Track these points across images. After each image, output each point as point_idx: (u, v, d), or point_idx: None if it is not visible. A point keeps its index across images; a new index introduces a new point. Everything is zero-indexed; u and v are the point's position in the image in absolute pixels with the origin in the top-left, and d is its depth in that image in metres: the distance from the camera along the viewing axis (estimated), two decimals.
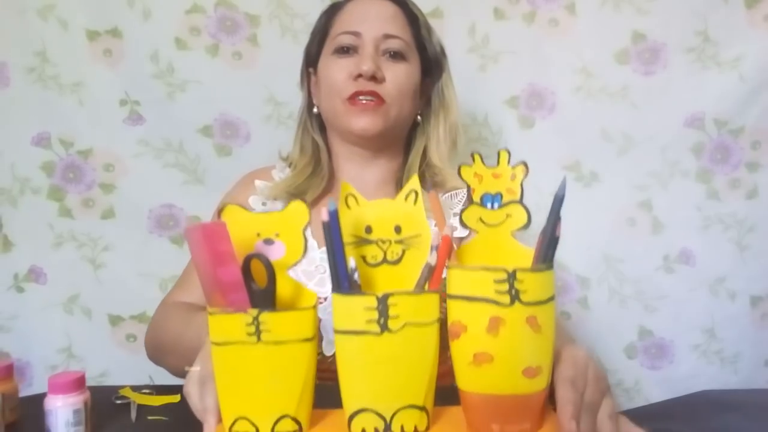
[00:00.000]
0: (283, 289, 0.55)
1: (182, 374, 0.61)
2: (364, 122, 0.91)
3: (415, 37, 0.97)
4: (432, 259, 0.53)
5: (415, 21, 0.97)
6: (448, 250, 0.54)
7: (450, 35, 1.17)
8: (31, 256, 1.21)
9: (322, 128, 1.02)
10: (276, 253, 0.55)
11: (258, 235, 0.55)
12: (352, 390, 0.53)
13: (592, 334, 1.27)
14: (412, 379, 0.53)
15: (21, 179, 1.21)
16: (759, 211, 1.24)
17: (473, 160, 0.57)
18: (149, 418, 0.72)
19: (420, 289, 0.54)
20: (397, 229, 0.57)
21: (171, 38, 1.22)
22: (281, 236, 0.56)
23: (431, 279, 0.54)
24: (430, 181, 0.96)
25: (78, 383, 0.66)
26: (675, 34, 1.23)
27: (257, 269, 0.54)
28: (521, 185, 0.57)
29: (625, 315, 1.28)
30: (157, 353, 0.91)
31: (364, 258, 0.57)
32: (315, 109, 1.00)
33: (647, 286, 1.27)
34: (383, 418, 0.52)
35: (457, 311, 0.52)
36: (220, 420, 0.55)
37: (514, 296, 0.50)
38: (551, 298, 0.52)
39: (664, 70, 1.24)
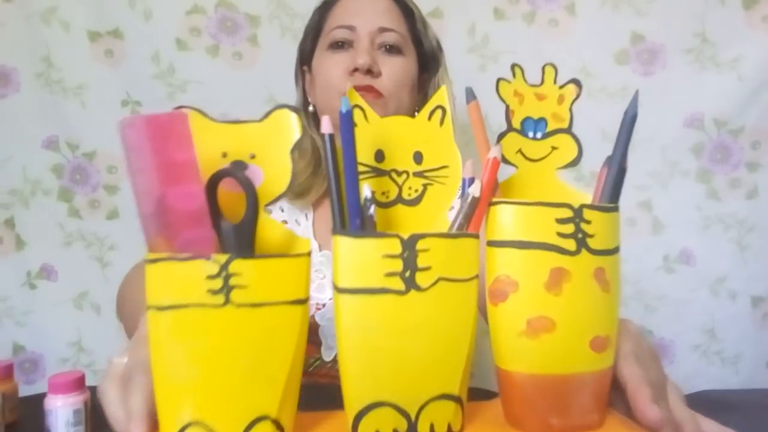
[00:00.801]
0: (261, 233, 0.40)
1: None
2: (326, 127, 0.87)
3: (411, 31, 0.95)
4: (475, 189, 0.40)
5: (410, 15, 0.96)
6: (495, 178, 0.41)
7: (450, 35, 1.17)
8: (43, 254, 1.25)
9: (318, 128, 0.99)
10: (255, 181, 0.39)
11: (224, 155, 0.39)
12: (361, 377, 0.37)
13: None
14: (446, 358, 0.38)
15: (32, 181, 1.24)
16: (759, 211, 1.24)
17: (513, 74, 0.46)
18: None
19: (458, 230, 0.40)
20: (417, 158, 0.44)
21: (172, 39, 1.22)
22: (258, 159, 0.40)
23: (473, 218, 0.41)
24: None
25: (78, 383, 0.66)
26: (673, 35, 1.24)
27: (225, 199, 0.38)
28: (570, 110, 0.46)
29: (626, 315, 1.25)
30: (119, 314, 0.85)
31: (372, 193, 0.43)
32: (311, 108, 0.98)
33: (647, 286, 1.27)
34: (406, 415, 0.38)
35: (504, 263, 0.40)
36: (150, 429, 0.39)
37: (581, 242, 0.39)
38: (617, 248, 0.41)
39: (663, 70, 1.24)
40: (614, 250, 0.41)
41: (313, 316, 0.84)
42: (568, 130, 0.45)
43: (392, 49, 0.91)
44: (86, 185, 1.24)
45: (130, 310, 0.76)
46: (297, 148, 0.41)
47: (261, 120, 0.40)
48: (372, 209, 0.39)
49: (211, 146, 0.39)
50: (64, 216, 1.24)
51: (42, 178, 1.23)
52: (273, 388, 0.37)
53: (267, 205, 0.40)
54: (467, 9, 1.26)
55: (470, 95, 0.45)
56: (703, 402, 0.90)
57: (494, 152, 0.41)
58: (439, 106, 0.45)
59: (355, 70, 0.88)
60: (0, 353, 1.21)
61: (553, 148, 0.45)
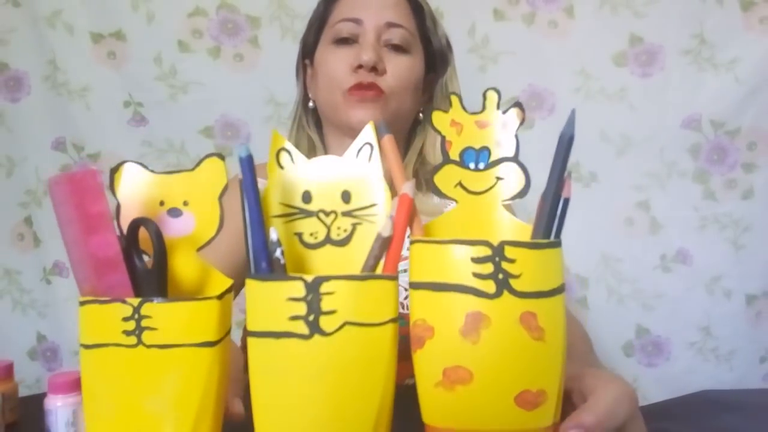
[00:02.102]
0: (188, 275, 0.42)
1: None
2: (362, 114, 0.84)
3: (420, 28, 0.91)
4: (386, 229, 0.38)
5: (420, 11, 0.91)
6: (409, 214, 0.39)
7: (450, 36, 1.17)
8: (56, 251, 1.28)
9: (318, 124, 0.96)
10: (183, 228, 0.41)
11: (161, 204, 0.42)
12: (270, 420, 0.36)
13: (590, 333, 1.29)
14: (355, 405, 0.36)
15: (44, 181, 1.26)
16: (755, 211, 1.26)
17: (450, 103, 0.43)
18: None
19: (369, 272, 0.39)
20: (346, 197, 0.42)
21: (173, 41, 1.23)
22: (191, 205, 0.42)
23: (386, 258, 0.39)
24: (424, 180, 0.89)
25: (78, 383, 0.66)
26: (671, 36, 1.24)
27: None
28: (516, 137, 0.42)
29: (623, 314, 1.29)
30: None
31: (300, 236, 0.42)
32: (311, 104, 0.94)
33: (645, 285, 1.29)
34: None
35: (420, 307, 0.37)
36: None
37: (502, 283, 0.35)
38: (558, 290, 0.37)
39: (661, 72, 1.25)
40: (551, 292, 0.36)
41: None
42: (515, 159, 0.42)
43: (399, 47, 0.87)
44: None
45: None
46: (223, 195, 0.42)
47: (193, 169, 0.42)
48: (279, 252, 0.38)
49: (150, 195, 0.41)
50: None
51: None
52: (183, 428, 0.38)
53: (199, 249, 0.42)
54: (467, 9, 1.27)
55: (383, 131, 0.44)
56: (703, 402, 0.92)
57: (406, 189, 0.39)
58: (367, 143, 0.43)
59: (360, 66, 0.84)
60: (25, 341, 1.29)
61: (498, 178, 0.42)
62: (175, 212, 0.42)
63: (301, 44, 0.98)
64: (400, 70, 0.86)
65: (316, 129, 0.95)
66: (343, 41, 0.87)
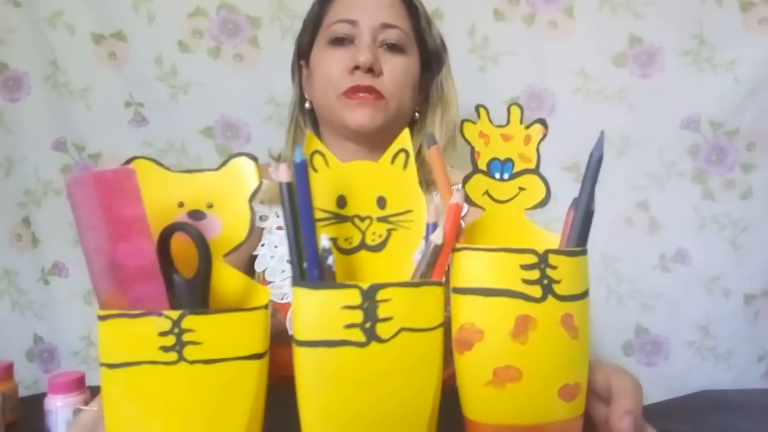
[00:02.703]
0: (217, 284, 0.39)
1: None
2: (361, 117, 0.84)
3: (415, 28, 0.91)
4: (438, 237, 0.39)
5: (414, 11, 0.91)
6: (458, 224, 0.40)
7: (450, 36, 1.17)
8: (55, 252, 1.28)
9: (315, 124, 0.96)
10: (208, 232, 0.38)
11: (181, 205, 0.38)
12: (320, 428, 0.36)
13: (590, 332, 1.29)
14: (409, 409, 0.37)
15: (44, 181, 1.27)
16: (753, 211, 1.26)
17: (478, 115, 0.44)
18: None
19: (422, 279, 0.39)
20: (381, 202, 0.42)
21: (174, 41, 1.23)
22: (216, 208, 0.39)
23: (435, 265, 0.39)
24: (423, 179, 0.87)
25: (78, 383, 0.66)
26: (671, 37, 1.25)
27: (180, 252, 0.37)
28: (537, 150, 0.45)
29: (622, 313, 1.29)
30: None
31: (334, 241, 0.42)
32: (307, 104, 0.94)
33: (644, 284, 1.29)
34: None
35: (468, 311, 0.39)
36: None
37: (547, 288, 0.38)
38: (587, 293, 0.41)
39: (661, 72, 1.25)
40: (582, 295, 0.40)
41: None
42: (536, 171, 0.45)
43: (394, 48, 0.87)
44: None
45: None
46: (255, 196, 0.40)
47: (218, 169, 0.39)
48: (330, 259, 0.37)
49: (167, 196, 0.38)
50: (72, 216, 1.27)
51: (53, 179, 1.27)
52: None
53: (225, 255, 0.39)
54: (467, 10, 1.27)
55: (431, 140, 0.44)
56: (703, 402, 0.92)
57: (456, 198, 0.40)
58: (402, 150, 0.43)
59: (356, 68, 0.84)
60: (22, 342, 1.28)
61: (521, 188, 0.45)
62: (197, 215, 0.38)
63: (296, 45, 0.98)
64: (397, 71, 0.87)
65: (313, 129, 0.95)
66: (339, 42, 0.87)
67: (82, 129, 1.25)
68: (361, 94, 0.84)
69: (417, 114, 0.95)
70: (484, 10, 1.27)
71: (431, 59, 0.95)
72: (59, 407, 0.65)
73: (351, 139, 0.90)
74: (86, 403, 0.65)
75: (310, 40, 0.93)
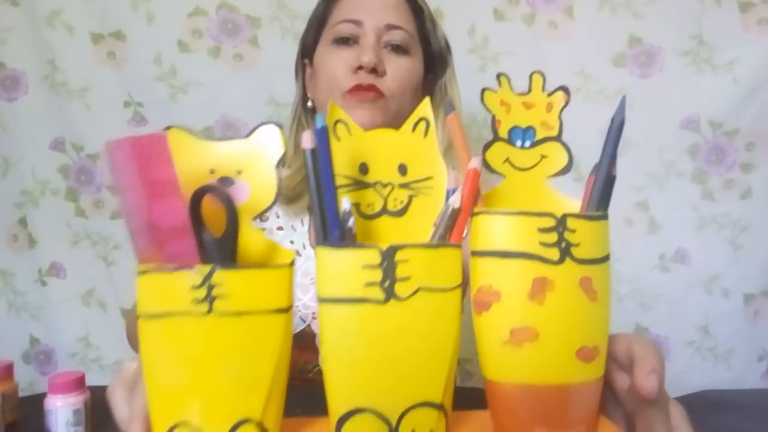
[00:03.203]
0: (245, 245, 0.41)
1: None
2: (361, 116, 0.83)
3: (419, 29, 0.91)
4: (455, 200, 0.40)
5: (419, 13, 0.92)
6: (477, 188, 0.41)
7: (450, 36, 1.17)
8: (52, 252, 1.28)
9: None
10: (237, 197, 0.40)
11: (212, 172, 0.41)
12: (343, 383, 0.38)
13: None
14: (427, 366, 0.39)
15: (41, 182, 1.27)
16: (753, 211, 1.26)
17: (499, 83, 0.45)
18: None
19: (439, 241, 0.41)
20: (402, 169, 0.44)
21: (173, 41, 1.23)
22: (244, 174, 0.41)
23: (454, 228, 0.41)
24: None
25: (78, 383, 0.66)
26: (670, 37, 1.25)
27: (210, 213, 0.40)
28: (560, 117, 0.44)
29: (622, 313, 1.29)
30: (131, 339, 0.85)
31: (357, 206, 0.43)
32: (309, 103, 0.94)
33: (643, 284, 1.29)
34: (387, 422, 0.38)
35: (486, 273, 0.40)
36: (147, 429, 0.40)
37: (565, 251, 0.38)
38: (607, 257, 0.40)
39: (660, 73, 1.26)
40: (602, 259, 0.40)
41: (309, 325, 0.84)
42: (558, 138, 0.45)
43: (399, 49, 0.87)
44: (91, 186, 1.27)
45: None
46: (281, 163, 0.42)
47: (246, 137, 0.42)
48: (351, 221, 0.39)
49: (199, 163, 0.40)
50: (71, 216, 1.28)
51: (50, 179, 1.27)
52: (257, 393, 0.38)
53: (254, 218, 0.42)
54: (467, 10, 1.27)
55: (449, 108, 0.45)
56: (703, 402, 0.92)
57: (474, 163, 0.42)
58: (422, 118, 0.45)
59: (360, 67, 0.84)
60: (18, 344, 1.28)
61: (543, 156, 0.45)
62: (227, 181, 0.41)
63: (301, 44, 0.98)
64: (400, 72, 0.87)
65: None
66: (343, 42, 0.87)
67: (80, 129, 1.25)
68: (363, 93, 0.84)
69: None
70: (484, 10, 1.27)
71: (435, 60, 0.95)
72: (59, 407, 0.65)
73: None
74: (86, 403, 0.66)
75: (314, 40, 0.93)
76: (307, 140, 0.40)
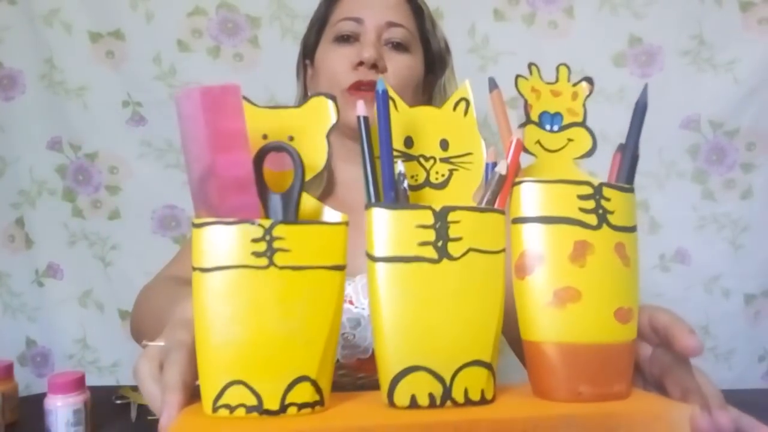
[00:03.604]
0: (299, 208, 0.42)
1: None
2: (361, 110, 0.84)
3: (420, 29, 0.91)
4: (502, 168, 0.42)
5: (420, 12, 0.92)
6: (519, 158, 0.44)
7: (450, 36, 1.17)
8: (49, 253, 1.27)
9: None
10: (288, 162, 0.41)
11: (264, 137, 0.42)
12: (397, 341, 0.39)
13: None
14: (478, 325, 0.40)
15: (39, 181, 1.26)
16: (753, 211, 1.27)
17: (530, 71, 0.48)
18: (149, 418, 0.72)
19: (488, 205, 0.43)
20: (444, 145, 0.46)
21: (173, 40, 1.22)
22: (296, 141, 0.42)
23: (500, 195, 0.43)
24: None
25: (78, 383, 0.67)
26: (670, 37, 1.25)
27: (270, 174, 0.41)
28: (584, 105, 0.49)
29: None
30: (137, 334, 0.83)
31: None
32: None
33: (643, 284, 1.26)
34: (441, 380, 0.39)
35: (529, 238, 0.42)
36: (186, 398, 0.39)
37: (602, 217, 0.41)
38: (635, 227, 0.44)
39: (660, 72, 1.26)
40: (632, 228, 0.44)
41: None
42: (583, 124, 0.49)
43: (399, 46, 0.87)
44: (88, 186, 1.26)
45: (152, 321, 0.71)
46: (332, 131, 0.44)
47: (299, 106, 0.44)
48: (405, 183, 0.41)
49: (252, 128, 0.41)
50: (68, 216, 1.27)
51: (47, 179, 1.25)
52: (313, 350, 0.38)
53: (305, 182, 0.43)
54: (467, 10, 1.27)
55: (493, 84, 0.48)
56: None
57: (518, 134, 0.45)
58: (463, 99, 0.48)
59: (360, 63, 0.84)
60: (14, 346, 1.26)
61: (569, 140, 0.48)
62: (279, 147, 0.42)
63: (302, 44, 0.98)
64: (401, 69, 0.87)
65: None
66: (344, 40, 0.88)
67: (78, 128, 1.24)
68: (363, 89, 0.84)
69: None
70: (484, 10, 1.28)
71: (435, 61, 0.95)
72: (59, 407, 0.65)
73: (353, 137, 0.90)
74: (86, 403, 0.66)
75: (315, 40, 0.94)
76: (361, 108, 0.42)
